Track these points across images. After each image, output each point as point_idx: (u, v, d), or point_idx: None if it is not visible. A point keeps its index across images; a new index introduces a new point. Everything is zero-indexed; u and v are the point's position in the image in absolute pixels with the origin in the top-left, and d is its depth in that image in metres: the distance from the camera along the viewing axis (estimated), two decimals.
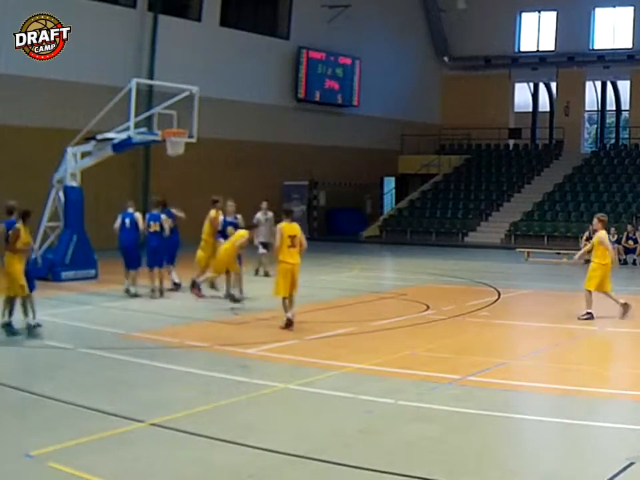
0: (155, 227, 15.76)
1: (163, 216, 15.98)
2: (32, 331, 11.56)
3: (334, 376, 9.54)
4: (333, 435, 7.37)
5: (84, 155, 18.70)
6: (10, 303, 11.68)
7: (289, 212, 12.98)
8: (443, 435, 7.39)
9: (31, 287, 11.73)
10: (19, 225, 11.62)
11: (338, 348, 11.31)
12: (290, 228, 12.48)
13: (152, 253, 15.77)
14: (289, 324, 12.31)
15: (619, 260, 23.70)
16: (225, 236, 15.19)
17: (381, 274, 23.44)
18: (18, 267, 11.47)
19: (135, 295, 15.74)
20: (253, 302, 15.07)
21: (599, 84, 39.61)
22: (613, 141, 39.23)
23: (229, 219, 15.56)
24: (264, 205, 20.06)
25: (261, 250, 19.22)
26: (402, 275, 22.32)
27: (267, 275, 18.63)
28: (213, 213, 15.78)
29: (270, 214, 19.70)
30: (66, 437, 7.08)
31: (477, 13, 37.22)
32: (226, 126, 29.26)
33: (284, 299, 12.40)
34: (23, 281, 11.47)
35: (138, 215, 16.14)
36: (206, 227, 15.85)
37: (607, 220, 14.53)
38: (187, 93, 18.87)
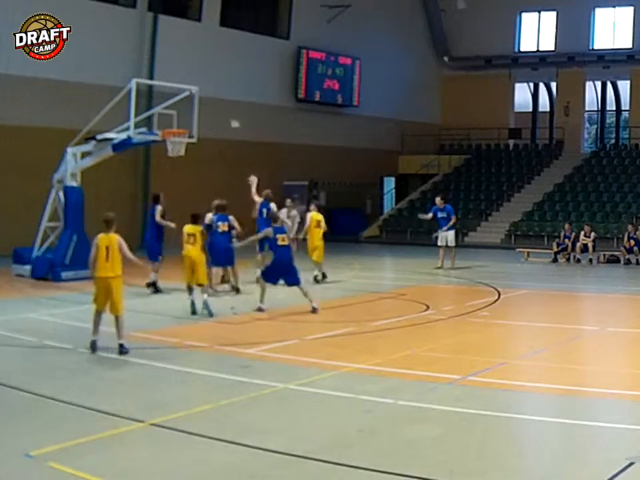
0: (223, 228, 15.82)
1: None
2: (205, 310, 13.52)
3: (334, 376, 9.53)
4: (333, 434, 7.37)
5: (84, 154, 18.70)
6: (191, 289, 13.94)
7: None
8: (443, 435, 7.39)
9: None
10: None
11: (338, 348, 11.30)
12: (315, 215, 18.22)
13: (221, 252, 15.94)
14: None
15: (622, 260, 23.76)
16: None
17: (381, 274, 23.43)
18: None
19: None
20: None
21: (598, 84, 39.66)
22: (613, 141, 39.25)
23: None
24: (288, 202, 21.08)
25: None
26: (402, 274, 22.32)
27: None
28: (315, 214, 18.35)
29: (294, 212, 20.52)
30: (66, 437, 7.07)
31: (477, 13, 37.27)
32: (226, 126, 29.25)
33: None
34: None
35: (232, 218, 16.06)
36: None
37: None
38: (186, 93, 18.86)
